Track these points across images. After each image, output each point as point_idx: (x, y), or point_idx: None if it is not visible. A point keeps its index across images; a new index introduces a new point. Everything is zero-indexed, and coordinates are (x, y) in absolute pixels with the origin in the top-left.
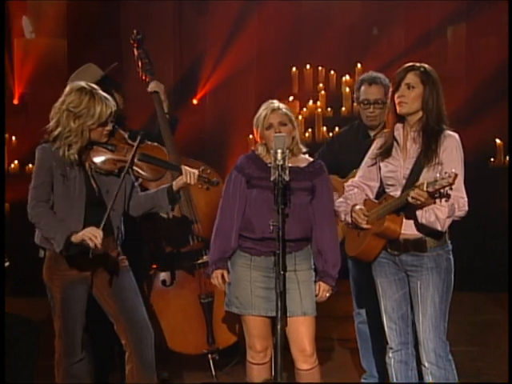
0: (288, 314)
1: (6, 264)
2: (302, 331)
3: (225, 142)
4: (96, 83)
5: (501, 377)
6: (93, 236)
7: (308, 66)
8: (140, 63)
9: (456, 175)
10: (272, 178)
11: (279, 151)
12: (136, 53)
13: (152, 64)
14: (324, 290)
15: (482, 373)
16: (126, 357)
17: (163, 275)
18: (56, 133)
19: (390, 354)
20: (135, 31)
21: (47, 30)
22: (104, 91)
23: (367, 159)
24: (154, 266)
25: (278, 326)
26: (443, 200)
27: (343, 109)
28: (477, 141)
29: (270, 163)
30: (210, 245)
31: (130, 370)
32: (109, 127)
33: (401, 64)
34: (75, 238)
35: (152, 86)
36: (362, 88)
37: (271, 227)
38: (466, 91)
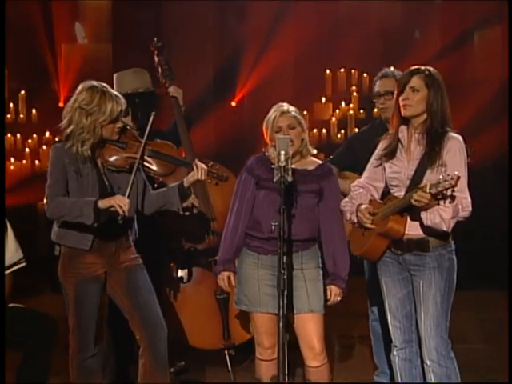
0: (295, 312)
1: (23, 264)
2: (309, 328)
3: (261, 143)
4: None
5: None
6: (121, 203)
7: (342, 70)
8: (160, 69)
9: (459, 177)
10: (275, 180)
11: (282, 153)
12: (156, 59)
13: (171, 70)
14: (336, 295)
15: (494, 371)
16: (140, 352)
17: (181, 272)
18: (69, 131)
19: (395, 352)
20: (155, 39)
21: (92, 35)
22: (145, 103)
23: (373, 160)
24: (172, 264)
25: (280, 324)
26: (447, 201)
27: (375, 110)
28: None
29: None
30: (220, 243)
31: (143, 364)
32: (119, 124)
33: (434, 67)
34: (102, 204)
35: (172, 91)
36: (375, 83)
37: (273, 227)
38: (500, 92)
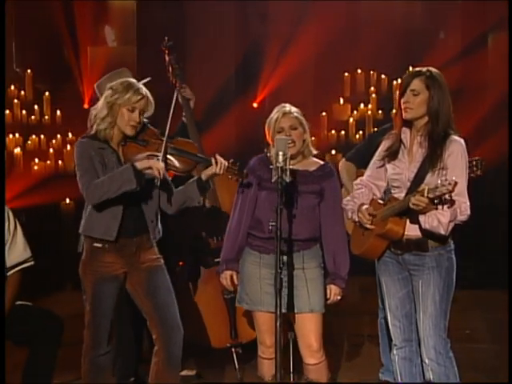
0: (296, 311)
1: (31, 263)
2: (309, 327)
3: None
4: None
5: None
6: (158, 166)
7: (359, 71)
8: (171, 68)
9: (456, 183)
10: (273, 180)
11: (280, 153)
12: (167, 59)
13: (182, 69)
14: (335, 294)
15: (502, 370)
16: (155, 351)
17: (189, 272)
18: (92, 117)
19: (395, 351)
20: (166, 38)
21: (118, 37)
22: None
23: (375, 159)
24: (181, 264)
25: (278, 323)
26: (445, 206)
27: (393, 111)
28: None
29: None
30: (223, 243)
31: (155, 363)
32: (135, 117)
33: (452, 69)
34: (140, 165)
35: (187, 93)
36: None
37: (270, 227)
38: None
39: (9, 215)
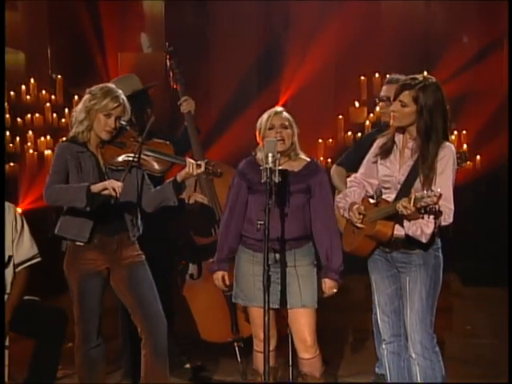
0: (288, 307)
1: (37, 259)
2: (302, 323)
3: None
4: (133, 94)
5: None
6: (114, 185)
7: (377, 75)
8: (172, 73)
9: (440, 195)
10: (262, 181)
11: (270, 155)
12: (168, 64)
13: (182, 74)
14: (330, 287)
15: (500, 364)
16: (142, 344)
17: (191, 269)
18: (72, 119)
19: (384, 346)
20: (167, 43)
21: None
22: (139, 104)
23: (369, 157)
24: (183, 262)
25: (266, 318)
26: (431, 216)
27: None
28: None
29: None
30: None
31: (144, 355)
32: (111, 123)
33: (467, 74)
34: (95, 188)
35: (184, 106)
36: (383, 88)
37: (259, 226)
38: None
39: (16, 215)
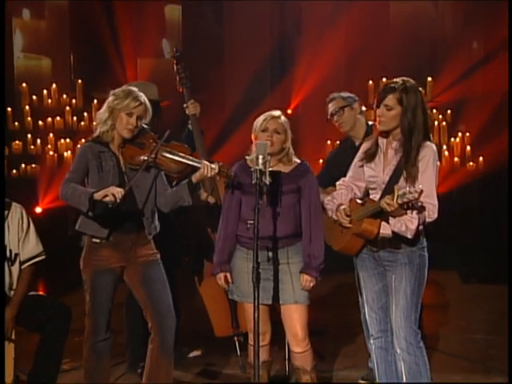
0: (281, 302)
1: (42, 257)
2: (294, 318)
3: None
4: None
5: (505, 364)
6: (114, 191)
7: (384, 79)
8: (178, 77)
9: (422, 191)
10: (253, 181)
11: (260, 157)
12: (175, 68)
13: (188, 78)
14: (307, 281)
15: (491, 359)
16: (150, 338)
17: (194, 266)
18: (97, 120)
19: (371, 341)
20: (174, 49)
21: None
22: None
23: (356, 161)
24: (187, 259)
25: (255, 314)
26: (414, 212)
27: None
28: None
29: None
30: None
31: (151, 349)
32: (132, 121)
33: (472, 78)
34: (97, 195)
35: (190, 109)
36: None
37: (248, 225)
38: None
39: (23, 215)
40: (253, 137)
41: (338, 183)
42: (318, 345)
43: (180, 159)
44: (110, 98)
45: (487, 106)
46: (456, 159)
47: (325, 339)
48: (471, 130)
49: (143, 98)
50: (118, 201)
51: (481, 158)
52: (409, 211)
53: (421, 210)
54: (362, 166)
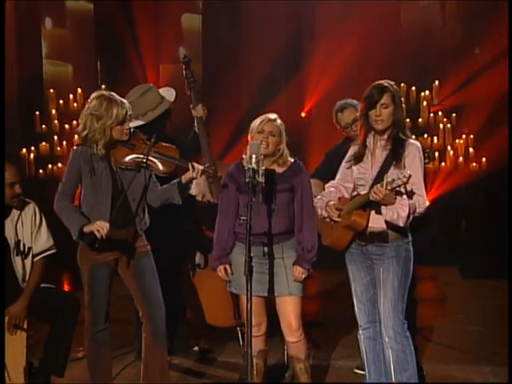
0: (276, 294)
1: (53, 251)
2: (288, 309)
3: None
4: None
5: (496, 354)
6: (100, 228)
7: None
8: (186, 82)
9: (410, 176)
10: (246, 180)
11: (253, 156)
12: (184, 73)
13: (196, 82)
14: (299, 272)
15: (483, 349)
16: (142, 327)
17: (198, 259)
18: (84, 134)
19: (360, 332)
20: (183, 55)
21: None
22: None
23: (344, 164)
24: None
25: (248, 305)
26: (404, 200)
27: (420, 120)
28: None
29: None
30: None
31: (145, 338)
32: (127, 126)
33: (477, 83)
34: (86, 229)
35: (198, 111)
36: (337, 115)
37: (241, 221)
38: None
39: (35, 211)
40: (249, 137)
41: (327, 185)
42: (317, 336)
43: (168, 160)
44: (92, 104)
45: (490, 110)
46: (460, 159)
47: (323, 330)
48: (474, 133)
49: (122, 100)
50: (104, 237)
51: (483, 159)
52: (399, 198)
53: (411, 196)
54: (350, 168)
